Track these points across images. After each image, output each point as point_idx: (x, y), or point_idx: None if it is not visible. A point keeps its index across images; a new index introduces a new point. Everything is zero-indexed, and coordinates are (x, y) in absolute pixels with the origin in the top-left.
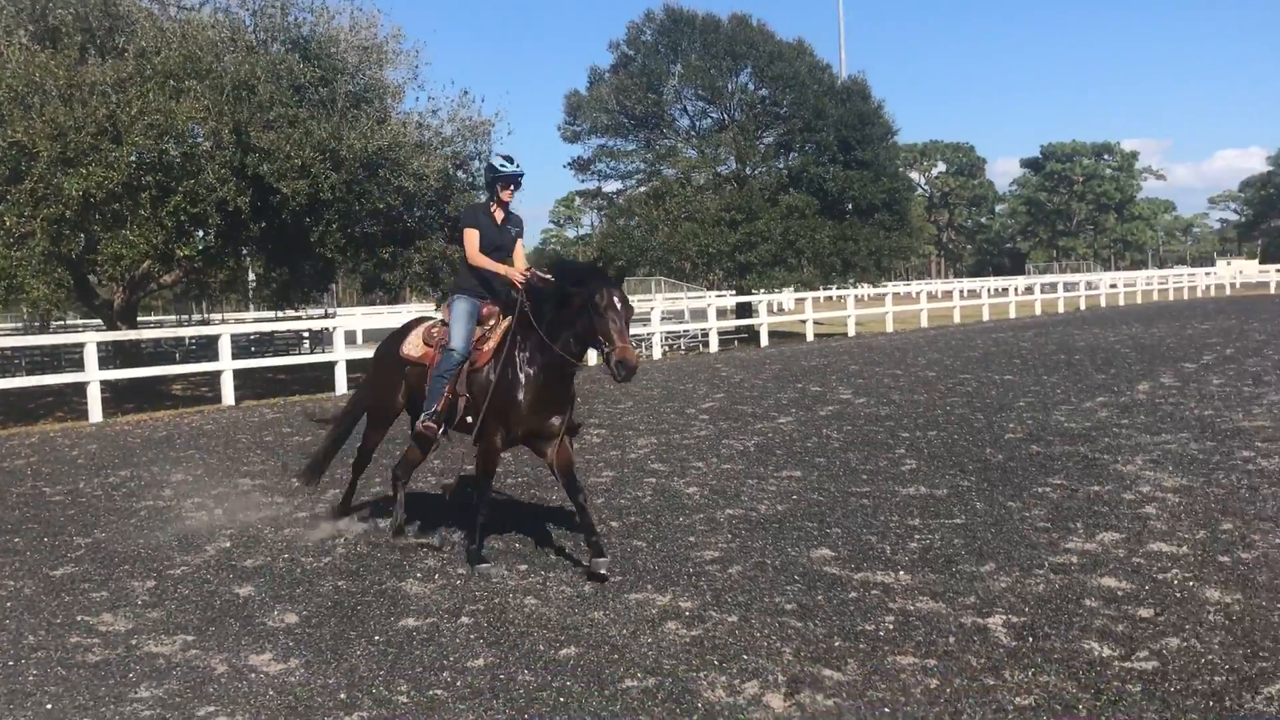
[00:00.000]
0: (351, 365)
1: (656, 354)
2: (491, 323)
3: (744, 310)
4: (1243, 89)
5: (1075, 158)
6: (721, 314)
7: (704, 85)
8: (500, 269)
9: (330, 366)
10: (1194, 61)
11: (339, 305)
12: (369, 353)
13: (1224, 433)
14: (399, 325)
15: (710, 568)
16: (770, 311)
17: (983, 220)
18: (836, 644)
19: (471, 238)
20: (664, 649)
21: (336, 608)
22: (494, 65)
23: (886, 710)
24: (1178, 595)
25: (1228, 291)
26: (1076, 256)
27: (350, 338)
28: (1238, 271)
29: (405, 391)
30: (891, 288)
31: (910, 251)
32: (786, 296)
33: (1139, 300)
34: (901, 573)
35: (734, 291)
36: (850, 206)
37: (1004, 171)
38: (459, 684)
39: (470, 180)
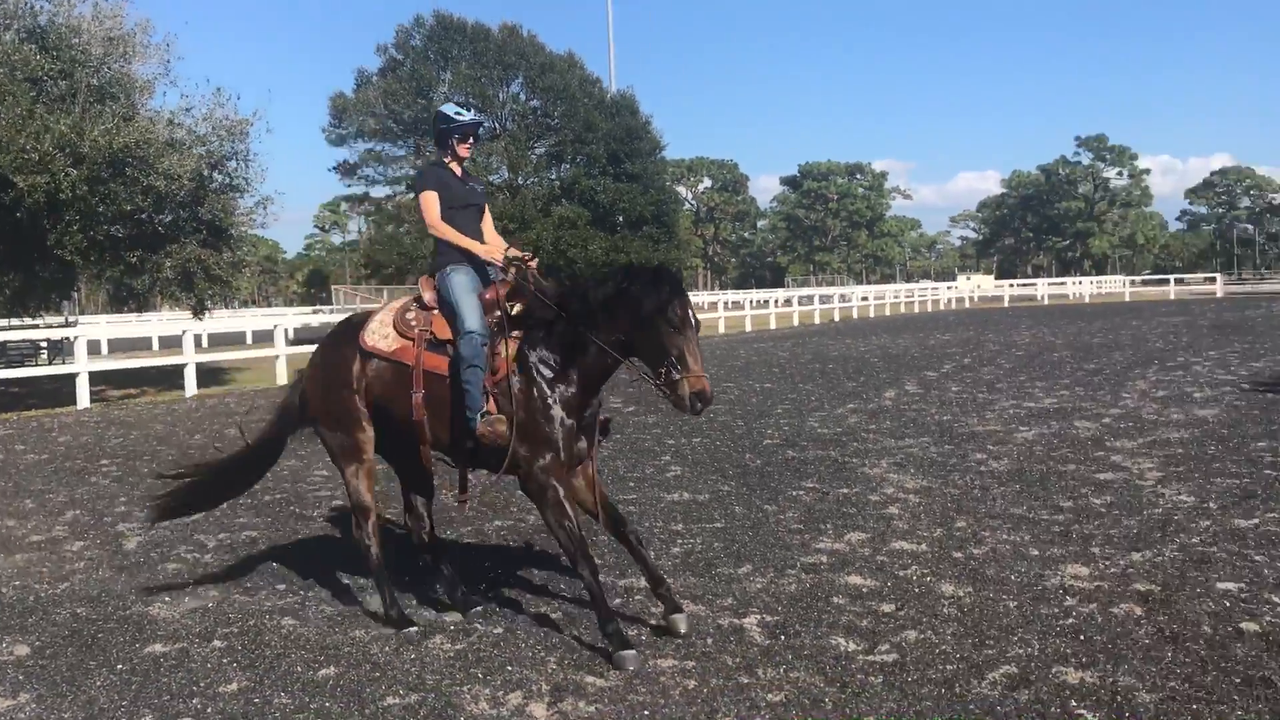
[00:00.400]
0: (95, 377)
1: None
2: (499, 314)
3: None
4: (980, 116)
5: (830, 176)
6: None
7: (475, 93)
8: (474, 246)
9: (72, 379)
10: (937, 88)
11: (82, 313)
12: (114, 363)
13: (960, 436)
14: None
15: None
16: None
17: (746, 235)
18: (600, 651)
19: (430, 201)
20: (427, 664)
21: (74, 636)
22: (254, 64)
23: (646, 713)
24: (916, 590)
25: (967, 305)
26: (831, 270)
27: (94, 348)
28: (976, 286)
29: (369, 401)
30: None
31: (678, 264)
32: None
33: (888, 312)
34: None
35: None
36: (621, 219)
37: (765, 188)
38: (210, 710)
39: (228, 181)
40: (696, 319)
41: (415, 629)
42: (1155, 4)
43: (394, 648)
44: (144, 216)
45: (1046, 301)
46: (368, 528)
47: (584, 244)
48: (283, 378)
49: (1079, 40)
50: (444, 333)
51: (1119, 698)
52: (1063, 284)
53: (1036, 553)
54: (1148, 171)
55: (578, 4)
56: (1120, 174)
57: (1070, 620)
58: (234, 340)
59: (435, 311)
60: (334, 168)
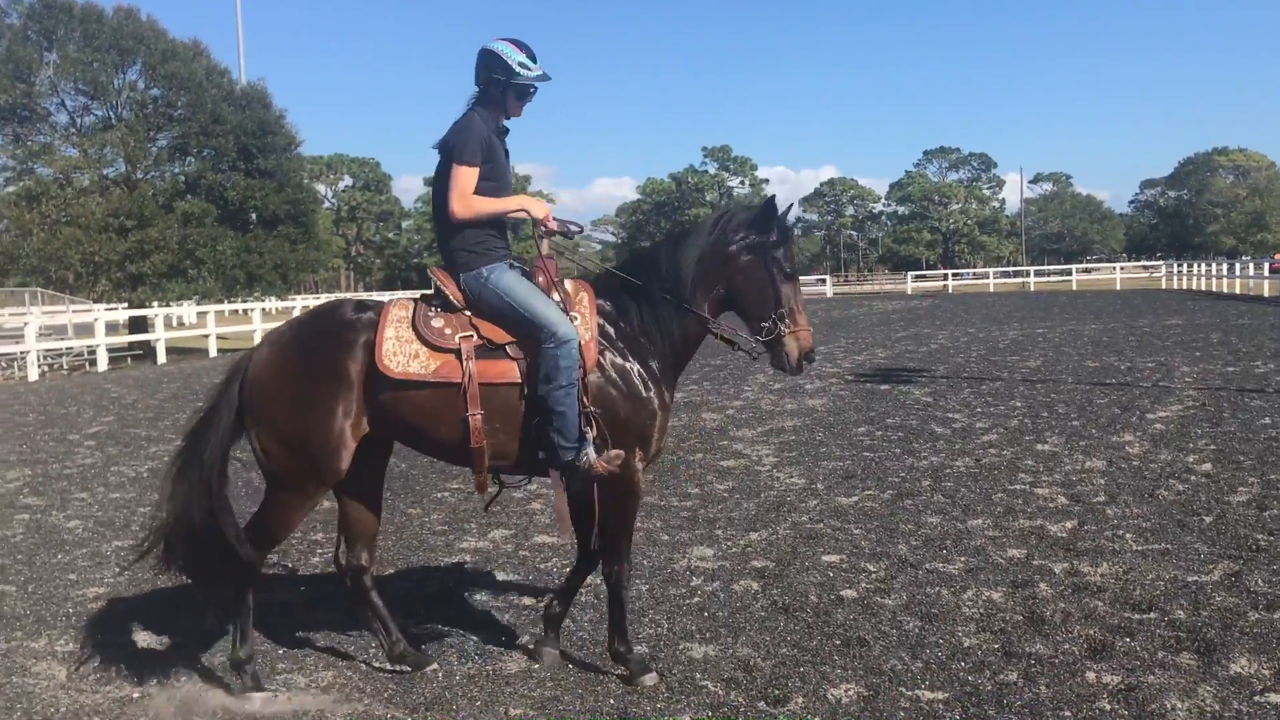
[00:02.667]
0: None
1: (33, 375)
2: (558, 298)
3: (138, 325)
4: (617, 124)
5: None
6: (112, 329)
7: (85, 79)
8: (514, 202)
9: None
10: (574, 95)
11: None
12: None
13: None
14: (293, 325)
15: (94, 605)
16: (169, 326)
17: (390, 235)
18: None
19: (467, 179)
20: (37, 697)
21: None
22: None
23: None
24: (556, 582)
25: None
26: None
27: None
28: None
29: (365, 433)
30: (302, 301)
31: (318, 264)
32: (187, 310)
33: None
34: (303, 588)
35: (126, 305)
36: (254, 217)
37: (409, 189)
38: None
39: None
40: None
41: (264, 695)
42: (775, 23)
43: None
44: None
45: None
46: (261, 559)
47: (213, 243)
48: None
49: (701, 58)
50: (500, 336)
51: (738, 667)
52: None
53: (667, 538)
54: (766, 181)
55: None
56: (743, 182)
57: (696, 599)
58: None
59: (468, 312)
60: None
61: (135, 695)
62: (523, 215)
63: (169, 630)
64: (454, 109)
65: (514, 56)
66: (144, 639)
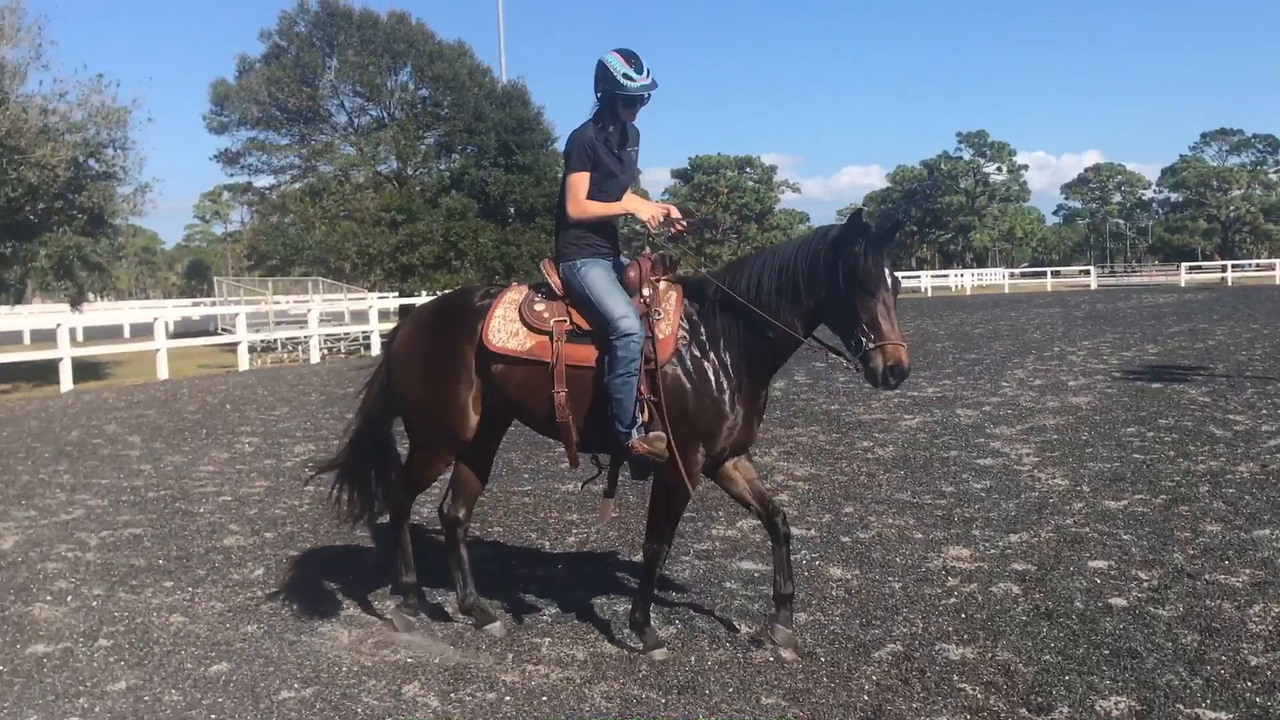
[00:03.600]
0: None
1: (315, 358)
2: (647, 292)
3: (407, 312)
4: (864, 111)
5: (721, 170)
6: (384, 316)
7: (362, 82)
8: (620, 206)
9: None
10: (822, 83)
11: None
12: None
13: (847, 425)
14: (428, 305)
15: (369, 574)
16: None
17: (637, 228)
18: (497, 639)
19: (579, 184)
20: (323, 657)
21: None
22: (133, 47)
23: (544, 699)
24: (806, 574)
25: None
26: (722, 264)
27: None
28: None
29: (485, 404)
30: None
31: None
32: None
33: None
34: (560, 566)
35: (396, 294)
36: (513, 210)
37: (656, 181)
38: (97, 709)
39: (105, 169)
40: (895, 278)
41: (415, 620)
42: (1033, 7)
43: (288, 643)
44: (16, 207)
45: (930, 294)
46: (409, 502)
47: (474, 235)
48: (164, 371)
49: (954, 39)
50: (587, 323)
51: (998, 671)
52: (945, 276)
53: (920, 536)
54: (1025, 167)
55: None
56: (1000, 169)
57: (952, 600)
58: (111, 334)
59: (567, 301)
60: (215, 156)
61: (409, 661)
62: (635, 213)
63: (437, 599)
64: (694, 103)
65: (619, 68)
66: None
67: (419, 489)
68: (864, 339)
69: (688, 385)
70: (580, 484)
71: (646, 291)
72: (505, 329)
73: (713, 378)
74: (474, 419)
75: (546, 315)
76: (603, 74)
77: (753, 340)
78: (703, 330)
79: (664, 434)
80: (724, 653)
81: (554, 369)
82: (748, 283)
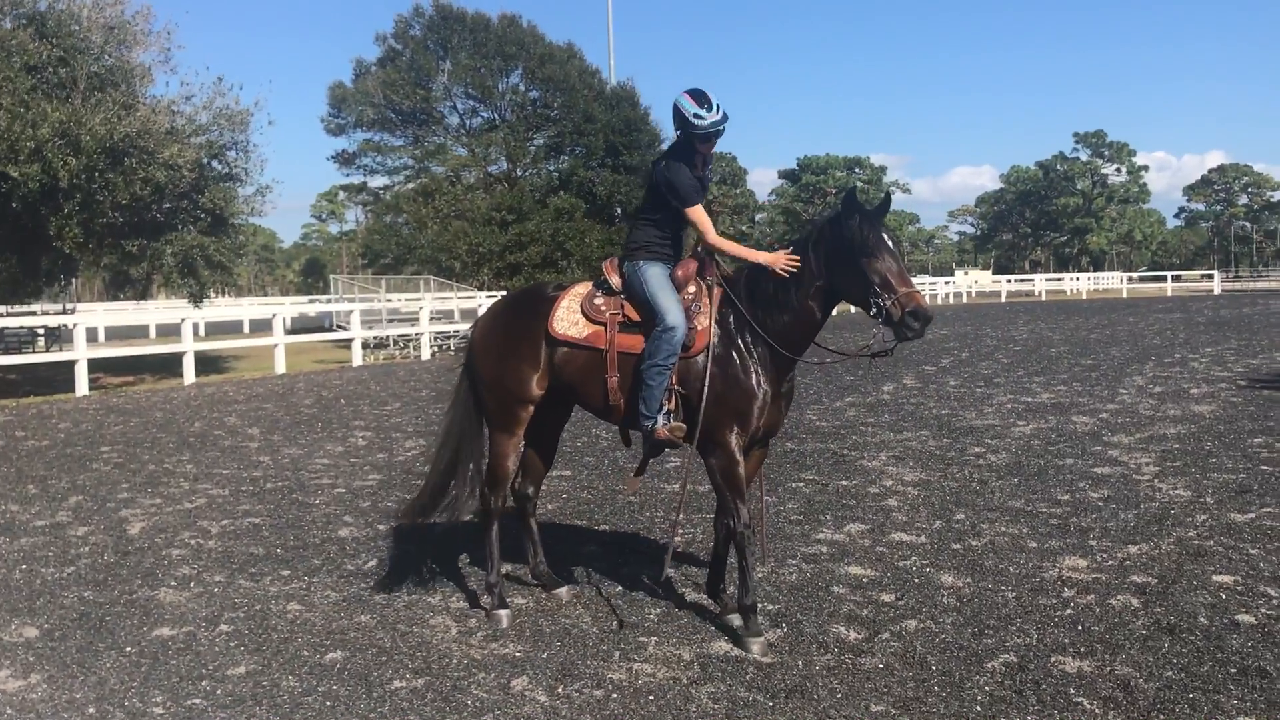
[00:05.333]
0: (93, 365)
1: (425, 354)
2: (692, 289)
3: None
4: (975, 112)
5: (829, 170)
6: None
7: (474, 84)
8: (760, 256)
9: (69, 366)
10: (931, 83)
11: (79, 300)
12: (113, 351)
13: (959, 430)
14: (507, 296)
15: (473, 569)
16: None
17: (744, 228)
18: (604, 637)
19: (704, 216)
20: (434, 648)
21: (82, 619)
22: (254, 52)
23: (650, 698)
24: (916, 581)
25: (964, 300)
26: None
27: (92, 335)
28: (974, 281)
29: (548, 382)
30: None
31: None
32: None
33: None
34: (668, 568)
35: (504, 292)
36: (619, 210)
37: (762, 182)
38: (219, 693)
39: (228, 170)
40: (895, 240)
41: (507, 613)
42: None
43: (400, 633)
44: (144, 205)
45: (1044, 297)
46: (497, 497)
47: (581, 235)
48: (281, 366)
49: (1069, 38)
50: (638, 316)
51: (1117, 687)
52: (1060, 280)
53: (1034, 545)
54: (1145, 168)
55: None
56: (1118, 170)
57: (1068, 611)
58: (231, 329)
59: (623, 296)
60: (332, 157)
61: (518, 655)
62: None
63: (538, 593)
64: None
65: (690, 109)
66: (523, 603)
67: (501, 480)
68: (880, 299)
69: (718, 370)
70: (635, 472)
71: (691, 289)
72: (568, 318)
73: (739, 362)
74: (538, 393)
75: (604, 308)
76: (677, 115)
77: (783, 320)
78: (735, 321)
79: (683, 424)
80: (831, 657)
81: (607, 355)
82: (768, 274)
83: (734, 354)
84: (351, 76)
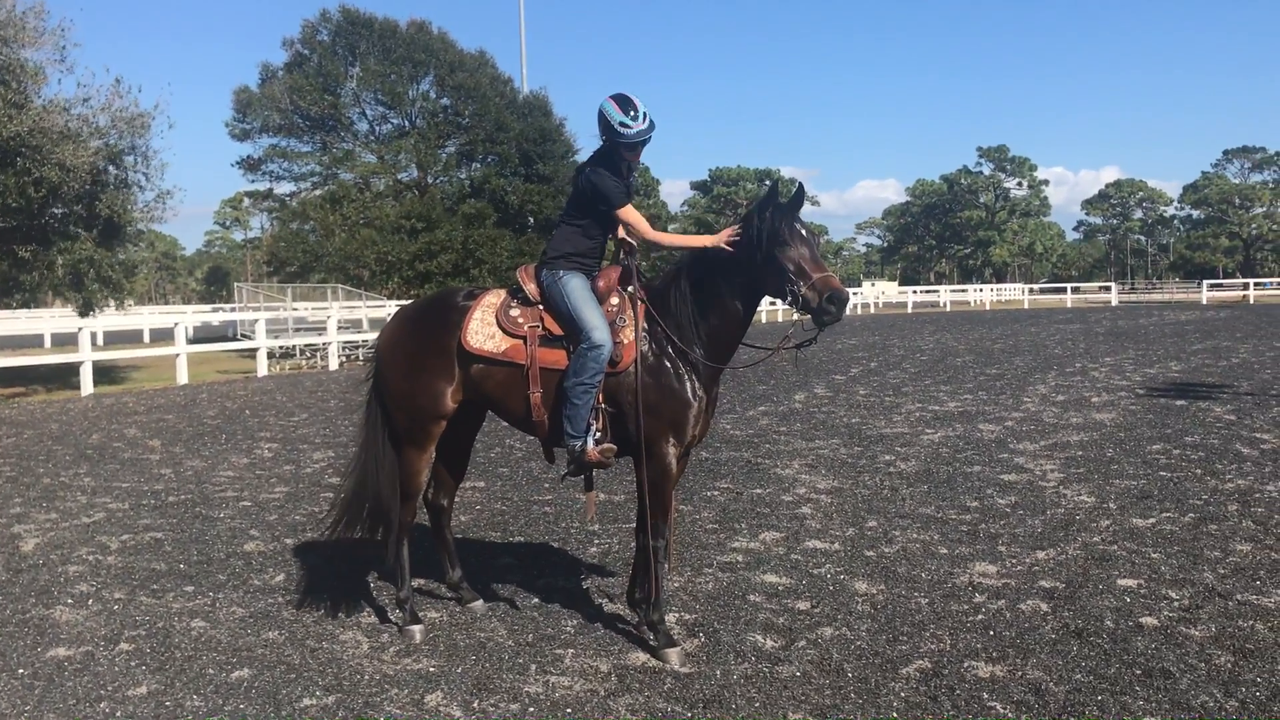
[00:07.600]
0: None
1: (333, 364)
2: (615, 301)
3: None
4: (880, 126)
5: (740, 181)
6: None
7: (384, 90)
8: (702, 240)
9: None
10: (839, 100)
11: None
12: (6, 361)
13: (869, 439)
14: (415, 304)
15: (382, 582)
16: None
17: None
18: (520, 650)
19: (637, 215)
20: (344, 664)
21: None
22: (156, 54)
23: (568, 710)
24: (831, 588)
25: (872, 310)
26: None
27: None
28: (881, 292)
29: (462, 396)
30: None
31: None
32: None
33: (795, 317)
34: (582, 576)
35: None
36: (531, 220)
37: (672, 192)
38: (119, 715)
39: (125, 176)
40: (808, 230)
41: (420, 628)
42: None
43: (309, 650)
44: (39, 209)
45: (949, 308)
46: (407, 511)
47: (492, 243)
48: (184, 376)
49: (973, 56)
50: (559, 330)
51: (1029, 690)
52: (965, 291)
53: (945, 551)
54: (1046, 183)
55: (489, 2)
56: (1020, 184)
57: (980, 616)
58: (131, 338)
59: (542, 307)
60: (237, 163)
61: (432, 670)
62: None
63: (453, 606)
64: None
65: (615, 116)
66: (436, 616)
67: (412, 494)
68: (796, 287)
69: (651, 381)
70: (561, 476)
71: (614, 300)
72: (483, 331)
73: (672, 370)
74: (452, 408)
75: (521, 320)
76: (602, 122)
77: (711, 323)
78: (661, 329)
79: (614, 445)
80: (749, 666)
81: (529, 371)
82: (688, 277)
83: (666, 362)
84: (258, 81)
